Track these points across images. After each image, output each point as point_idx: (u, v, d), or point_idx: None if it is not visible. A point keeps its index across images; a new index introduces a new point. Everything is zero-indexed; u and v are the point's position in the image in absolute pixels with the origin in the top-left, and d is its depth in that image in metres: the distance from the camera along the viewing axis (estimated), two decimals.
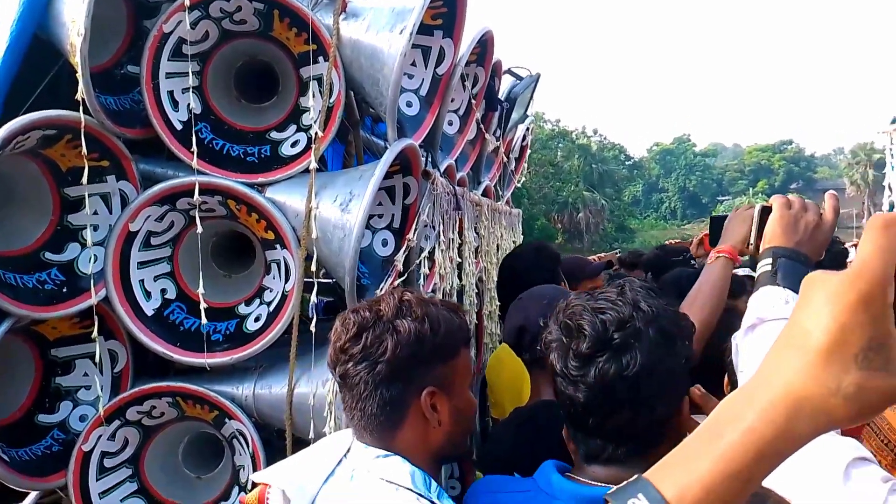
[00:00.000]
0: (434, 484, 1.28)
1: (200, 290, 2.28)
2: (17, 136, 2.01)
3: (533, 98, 3.91)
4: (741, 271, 3.10)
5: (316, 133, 2.26)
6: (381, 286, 2.31)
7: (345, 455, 1.33)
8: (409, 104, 2.60)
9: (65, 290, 2.24)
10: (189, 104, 2.35)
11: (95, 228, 2.31)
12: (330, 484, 1.29)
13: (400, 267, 2.34)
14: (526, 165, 5.25)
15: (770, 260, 1.35)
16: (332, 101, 2.32)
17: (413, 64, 2.61)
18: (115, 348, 2.43)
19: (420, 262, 2.49)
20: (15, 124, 1.98)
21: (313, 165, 2.25)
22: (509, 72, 3.86)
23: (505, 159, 4.90)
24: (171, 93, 2.33)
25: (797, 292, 1.27)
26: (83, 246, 2.29)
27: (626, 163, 53.90)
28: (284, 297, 2.32)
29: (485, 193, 3.88)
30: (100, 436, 2.33)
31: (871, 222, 0.60)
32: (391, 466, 1.26)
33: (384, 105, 2.25)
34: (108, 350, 2.42)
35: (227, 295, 2.49)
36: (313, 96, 2.30)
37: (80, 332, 2.38)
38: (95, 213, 2.31)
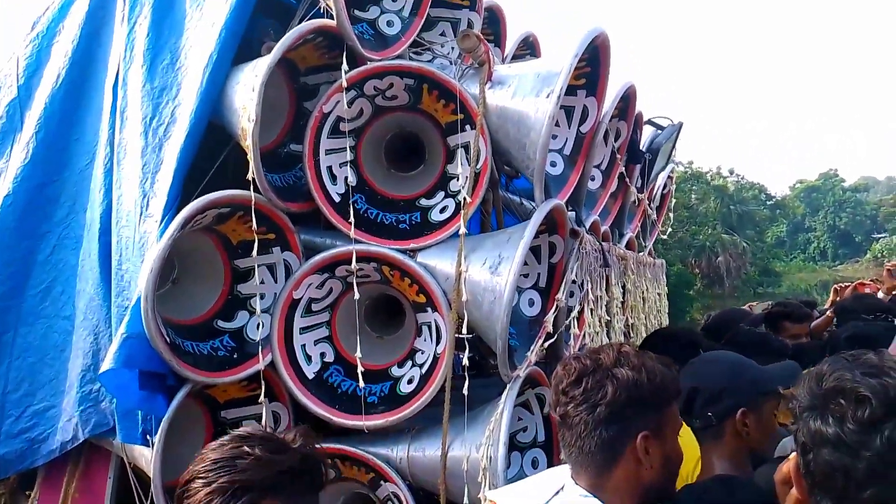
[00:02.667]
0: None
1: (358, 353, 2.36)
2: (197, 215, 2.20)
3: (675, 147, 3.82)
4: None
5: (465, 198, 2.31)
6: (531, 348, 2.30)
7: (561, 488, 1.45)
8: (552, 164, 2.61)
9: (235, 356, 2.39)
10: (346, 177, 2.49)
11: (262, 297, 2.46)
12: None
13: (549, 327, 2.32)
14: (672, 215, 5.11)
15: None
16: (478, 167, 2.38)
17: (557, 124, 2.63)
18: (279, 410, 2.55)
19: (569, 321, 2.46)
20: (196, 204, 2.16)
21: (463, 230, 2.30)
22: (650, 122, 3.80)
23: (649, 209, 4.81)
24: (329, 168, 2.47)
25: None
26: (251, 314, 2.45)
27: (768, 203, 51.04)
28: (436, 359, 2.35)
29: (627, 246, 3.80)
30: None
31: None
32: None
33: (531, 168, 2.27)
34: (272, 412, 2.55)
35: (380, 357, 2.56)
36: (461, 164, 2.36)
37: (248, 394, 2.51)
38: (262, 282, 2.46)
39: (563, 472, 1.49)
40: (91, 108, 2.77)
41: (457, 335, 2.28)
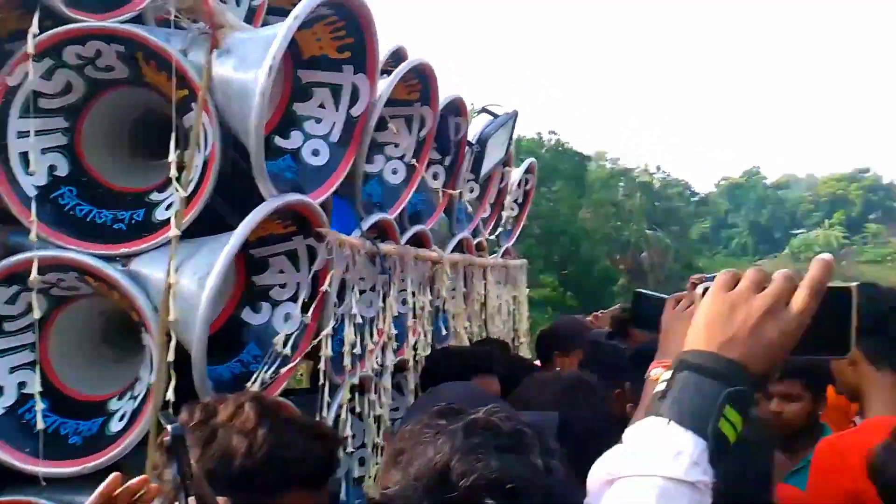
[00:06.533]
0: None
1: (37, 386, 1.90)
2: None
3: (512, 138, 3.48)
4: None
5: (179, 193, 1.88)
6: (255, 376, 1.88)
7: None
8: (315, 153, 2.20)
9: None
10: (52, 165, 2.03)
11: None
12: None
13: (281, 348, 1.91)
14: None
15: (669, 374, 0.85)
16: (206, 153, 1.95)
17: (321, 106, 2.22)
18: None
19: (324, 339, 2.06)
20: None
21: (174, 232, 1.86)
22: (485, 110, 3.45)
23: (511, 206, 4.47)
24: (24, 154, 1.99)
25: (698, 431, 0.76)
26: None
27: (692, 199, 52.06)
28: (149, 390, 1.92)
29: (463, 247, 3.44)
30: None
31: None
32: None
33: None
34: None
35: (106, 386, 2.11)
36: (173, 150, 1.92)
37: None
38: None
39: None
40: None
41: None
